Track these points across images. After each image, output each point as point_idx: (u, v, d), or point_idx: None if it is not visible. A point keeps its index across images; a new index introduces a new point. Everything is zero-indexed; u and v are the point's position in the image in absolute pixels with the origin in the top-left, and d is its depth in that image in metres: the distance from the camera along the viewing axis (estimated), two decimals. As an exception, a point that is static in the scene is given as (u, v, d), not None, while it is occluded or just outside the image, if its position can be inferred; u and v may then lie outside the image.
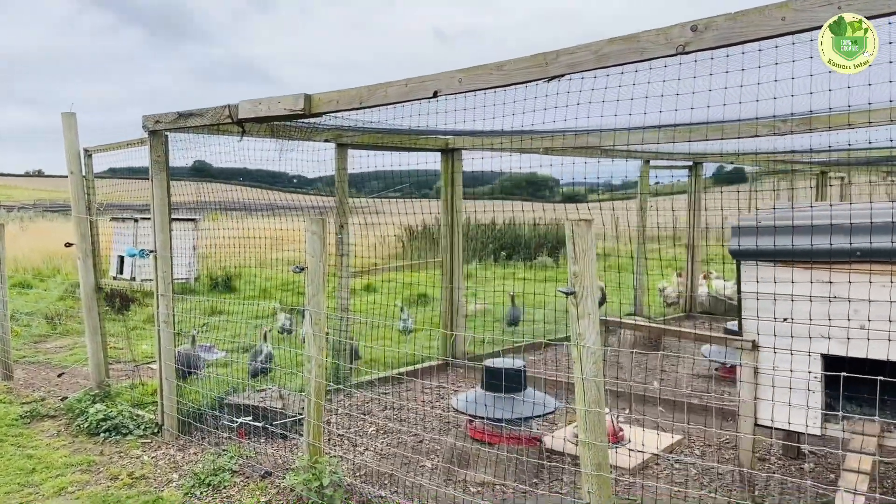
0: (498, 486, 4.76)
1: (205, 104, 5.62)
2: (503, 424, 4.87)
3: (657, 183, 11.91)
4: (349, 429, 6.08)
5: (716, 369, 7.73)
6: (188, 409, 5.94)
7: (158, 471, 5.25)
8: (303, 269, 4.49)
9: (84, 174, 6.72)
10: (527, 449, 4.92)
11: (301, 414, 5.89)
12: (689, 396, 6.73)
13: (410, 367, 7.84)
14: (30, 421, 6.58)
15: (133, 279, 14.71)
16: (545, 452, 5.15)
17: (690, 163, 11.27)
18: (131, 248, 5.80)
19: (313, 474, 4.30)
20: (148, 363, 9.00)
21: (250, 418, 5.66)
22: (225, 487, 4.82)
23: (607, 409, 5.49)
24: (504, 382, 4.93)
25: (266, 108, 4.62)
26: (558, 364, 8.15)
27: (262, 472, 4.77)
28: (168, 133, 5.75)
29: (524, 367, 5.08)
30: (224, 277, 15.68)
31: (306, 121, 5.47)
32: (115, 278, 15.50)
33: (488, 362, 5.21)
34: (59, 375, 7.49)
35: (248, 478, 4.96)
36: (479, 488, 4.76)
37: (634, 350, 6.95)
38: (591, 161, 9.51)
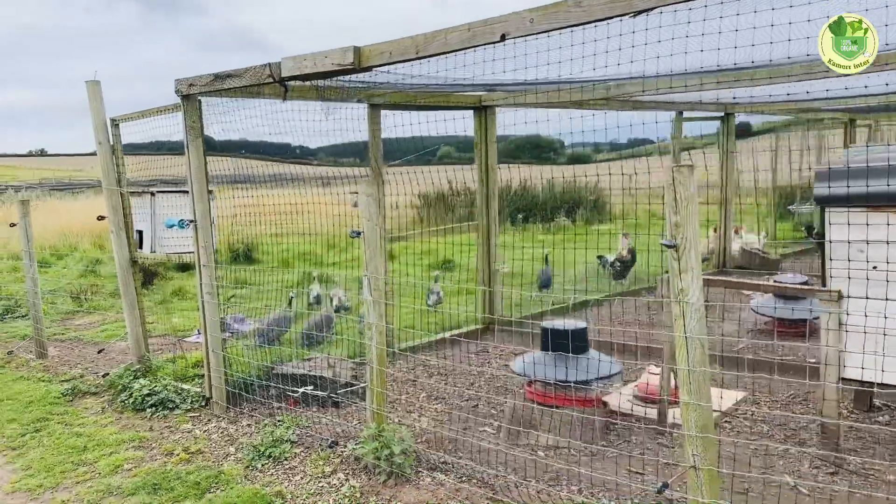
0: (565, 448, 4.63)
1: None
2: (570, 385, 4.71)
3: (684, 137, 11.61)
4: (400, 395, 5.95)
5: (764, 323, 7.55)
6: (236, 380, 5.81)
7: (213, 445, 5.13)
8: (359, 234, 4.29)
9: (112, 144, 6.51)
10: (593, 410, 4.78)
11: (354, 382, 5.77)
12: (742, 351, 6.57)
13: (449, 333, 7.69)
14: (72, 399, 6.47)
15: (153, 252, 14.57)
16: (609, 414, 5.01)
17: (721, 113, 10.97)
18: (170, 219, 5.60)
19: (381, 442, 4.16)
20: (182, 336, 8.89)
21: (311, 388, 5.53)
22: (286, 459, 4.70)
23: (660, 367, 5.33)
24: (567, 343, 4.77)
25: (311, 64, 4.38)
26: (603, 323, 7.98)
27: (329, 441, 4.64)
28: (201, 98, 5.52)
29: (587, 327, 4.91)
30: (245, 249, 15.53)
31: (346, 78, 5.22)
32: (134, 254, 15.36)
33: (548, 323, 5.04)
34: (99, 352, 7.38)
35: (308, 448, 4.84)
36: (547, 451, 4.62)
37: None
38: (603, 116, 9.22)
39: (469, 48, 3.74)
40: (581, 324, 4.96)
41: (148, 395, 6.05)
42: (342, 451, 4.64)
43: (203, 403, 5.94)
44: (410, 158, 7.10)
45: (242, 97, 5.74)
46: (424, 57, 3.93)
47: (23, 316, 10.54)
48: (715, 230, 11.48)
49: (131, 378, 6.44)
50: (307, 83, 4.91)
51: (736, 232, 11.54)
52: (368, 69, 4.27)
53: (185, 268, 14.20)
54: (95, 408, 6.19)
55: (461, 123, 7.60)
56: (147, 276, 12.19)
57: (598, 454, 4.50)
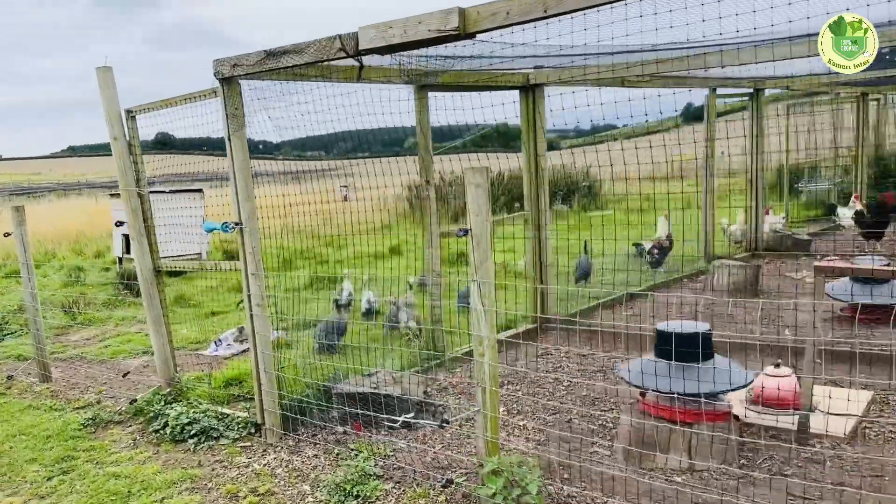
0: (704, 472, 4.02)
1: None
2: (698, 397, 4.10)
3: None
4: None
5: (840, 310, 7.05)
6: (290, 402, 5.10)
7: (282, 483, 4.42)
8: (467, 233, 3.62)
9: (129, 140, 5.72)
10: (726, 425, 4.18)
11: (427, 399, 5.11)
12: (833, 343, 6.04)
13: (503, 335, 7.05)
14: (95, 430, 5.70)
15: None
16: (739, 428, 4.42)
17: (752, 89, 10.46)
18: (210, 223, 4.85)
19: (509, 479, 3.51)
20: (195, 349, 8.11)
21: (412, 415, 4.86)
22: (378, 499, 4.02)
23: (789, 369, 4.76)
24: (690, 348, 4.16)
25: (400, 32, 3.68)
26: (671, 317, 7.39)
27: (443, 481, 3.95)
28: (241, 81, 4.78)
29: (710, 331, 4.30)
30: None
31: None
32: (120, 259, 14.42)
33: (664, 325, 4.42)
34: (124, 376, 6.57)
35: (399, 483, 4.16)
36: (683, 476, 4.02)
37: (761, 294, 6.23)
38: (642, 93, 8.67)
39: (618, 1, 3.08)
40: (703, 326, 4.35)
41: (188, 423, 5.30)
42: (450, 490, 3.97)
43: (252, 430, 5.22)
44: (457, 144, 6.43)
45: (286, 80, 5.00)
46: (554, 16, 3.26)
47: (12, 333, 9.63)
48: (745, 211, 11.00)
49: (162, 403, 5.69)
50: (384, 59, 4.20)
51: (766, 213, 11.08)
52: (472, 35, 3.59)
53: (175, 273, 13.34)
54: (125, 440, 5.43)
55: (500, 109, 6.94)
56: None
57: (745, 478, 3.90)
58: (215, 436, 5.22)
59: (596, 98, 6.62)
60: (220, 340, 8.09)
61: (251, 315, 4.98)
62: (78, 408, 6.29)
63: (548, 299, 7.24)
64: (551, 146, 7.85)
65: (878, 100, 14.94)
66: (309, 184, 5.52)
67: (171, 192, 14.35)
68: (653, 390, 4.26)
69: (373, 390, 5.04)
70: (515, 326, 7.36)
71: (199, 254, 14.43)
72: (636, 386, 4.37)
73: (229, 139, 4.78)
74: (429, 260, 6.35)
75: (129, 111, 5.72)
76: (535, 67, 6.77)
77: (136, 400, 5.84)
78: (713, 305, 7.69)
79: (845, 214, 12.17)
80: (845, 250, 10.55)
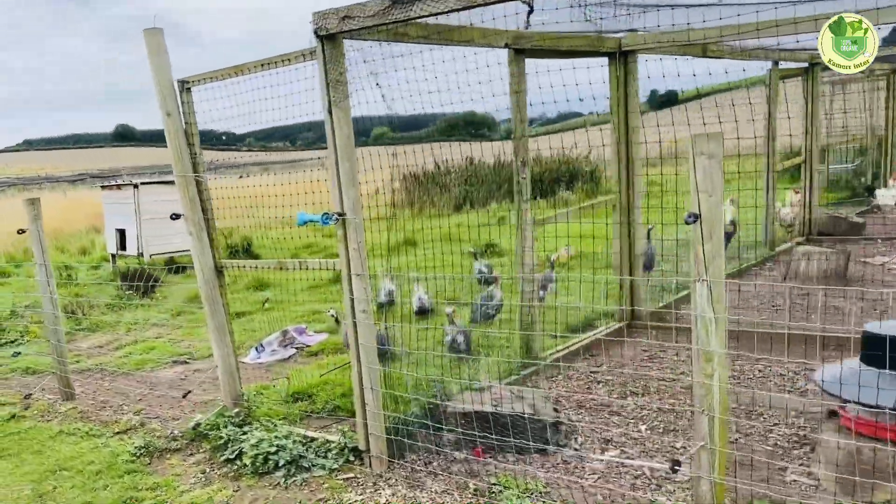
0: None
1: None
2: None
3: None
4: (609, 426, 4.54)
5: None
6: (392, 424, 4.29)
7: (420, 529, 3.62)
8: (696, 218, 2.85)
9: (185, 118, 4.82)
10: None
11: (558, 418, 4.35)
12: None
13: (592, 334, 6.31)
14: (150, 461, 4.82)
15: (141, 255, 12.61)
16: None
17: (806, 64, 9.84)
18: (304, 214, 4.00)
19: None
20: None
21: (556, 439, 4.07)
22: (559, 551, 3.25)
23: None
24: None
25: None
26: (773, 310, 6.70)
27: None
28: (345, 39, 3.93)
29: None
30: (244, 243, 13.70)
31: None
32: (114, 256, 13.34)
33: (870, 326, 3.71)
34: (185, 396, 5.64)
35: (575, 529, 3.40)
36: (925, 509, 3.32)
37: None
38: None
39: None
40: (925, 327, 3.64)
41: (272, 451, 4.45)
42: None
43: (350, 458, 4.40)
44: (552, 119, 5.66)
45: (383, 40, 4.16)
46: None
47: (12, 342, 8.59)
48: (796, 192, 10.40)
49: (233, 427, 4.83)
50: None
51: (797, 194, 10.53)
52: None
53: (176, 270, 12.32)
54: (192, 473, 4.57)
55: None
56: (146, 281, 10.32)
57: None
58: (306, 466, 4.39)
59: (683, 68, 5.92)
60: (261, 346, 7.21)
61: (354, 322, 4.14)
62: (118, 432, 5.39)
63: (638, 292, 6.51)
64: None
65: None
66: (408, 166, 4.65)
67: (167, 183, 13.34)
68: (863, 405, 3.55)
69: (496, 409, 4.26)
70: (596, 324, 6.63)
71: (189, 249, 13.42)
72: (841, 399, 3.66)
73: (330, 111, 3.93)
74: (519, 252, 5.56)
75: (183, 82, 4.81)
76: (628, 30, 6.02)
77: (199, 424, 4.96)
78: (807, 296, 7.05)
79: (885, 195, 11.70)
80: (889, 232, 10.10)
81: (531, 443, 4.10)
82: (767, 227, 9.40)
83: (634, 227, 6.43)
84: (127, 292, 10.43)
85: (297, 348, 7.26)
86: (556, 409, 4.48)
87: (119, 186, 12.79)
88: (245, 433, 4.74)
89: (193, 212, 4.84)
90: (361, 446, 4.32)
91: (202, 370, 6.88)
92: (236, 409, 4.99)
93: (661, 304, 6.94)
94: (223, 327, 5.00)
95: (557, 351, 5.87)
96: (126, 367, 7.18)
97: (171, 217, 4.81)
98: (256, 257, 13.66)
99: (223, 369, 5.02)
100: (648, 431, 4.43)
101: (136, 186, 12.38)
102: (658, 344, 5.99)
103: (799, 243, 8.94)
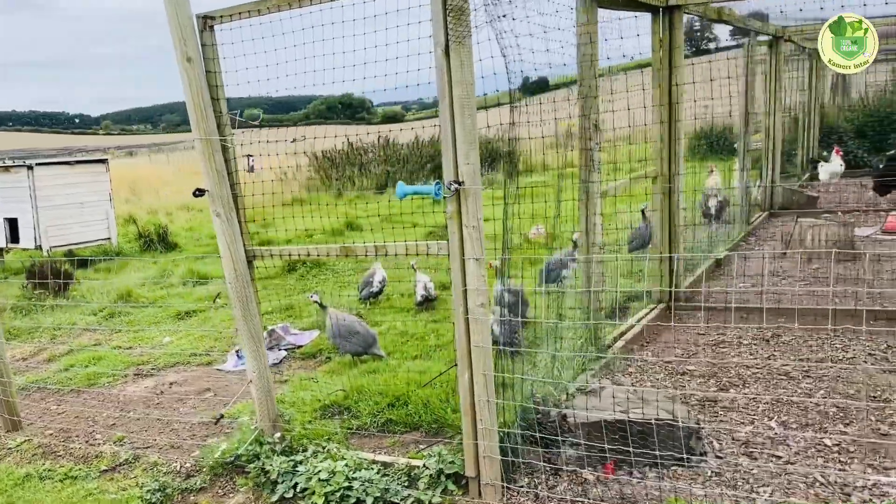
0: None
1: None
2: None
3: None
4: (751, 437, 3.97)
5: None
6: (501, 440, 3.51)
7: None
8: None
9: (208, 65, 3.74)
10: None
11: (698, 423, 3.74)
12: None
13: (633, 321, 5.75)
14: (172, 507, 3.76)
15: (39, 248, 10.82)
16: None
17: (771, 36, 9.76)
18: (404, 185, 3.11)
19: None
20: (205, 365, 6.05)
21: (703, 453, 3.39)
22: None
23: None
24: None
25: None
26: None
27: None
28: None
29: None
30: (159, 232, 12.14)
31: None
32: (1, 249, 11.41)
33: None
34: (216, 422, 4.43)
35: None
36: None
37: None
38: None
39: None
40: None
41: (347, 486, 3.54)
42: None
43: (450, 486, 3.57)
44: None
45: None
46: None
47: None
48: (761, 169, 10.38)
49: (280, 456, 3.84)
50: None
51: (838, 153, 10.69)
52: None
53: (82, 263, 10.65)
54: (238, 522, 3.57)
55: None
56: (58, 277, 8.74)
57: None
58: (397, 501, 3.52)
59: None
60: (241, 352, 6.11)
61: (466, 320, 3.31)
62: (106, 470, 4.26)
63: (678, 272, 6.02)
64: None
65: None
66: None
67: (75, 162, 11.61)
68: None
69: (623, 416, 3.57)
70: (631, 307, 6.08)
71: (108, 238, 11.78)
72: None
73: (447, 52, 3.06)
74: (583, 229, 4.89)
75: (204, 18, 3.72)
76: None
77: (239, 455, 3.92)
78: (821, 271, 6.86)
79: (826, 168, 12.03)
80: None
81: (678, 453, 3.46)
82: (743, 201, 9.27)
83: (673, 200, 5.91)
84: (35, 292, 8.81)
85: (286, 350, 6.22)
86: (697, 419, 3.84)
87: (7, 168, 10.88)
88: (296, 463, 3.78)
89: (221, 186, 3.78)
90: (470, 472, 3.50)
91: (178, 383, 5.72)
92: (277, 434, 4.00)
93: (687, 284, 6.50)
94: (259, 335, 3.97)
95: (614, 340, 5.26)
96: (74, 384, 5.87)
97: (194, 193, 3.72)
98: (175, 246, 12.19)
99: (259, 386, 3.99)
100: (783, 428, 3.90)
101: (30, 168, 10.56)
102: (715, 327, 5.52)
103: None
